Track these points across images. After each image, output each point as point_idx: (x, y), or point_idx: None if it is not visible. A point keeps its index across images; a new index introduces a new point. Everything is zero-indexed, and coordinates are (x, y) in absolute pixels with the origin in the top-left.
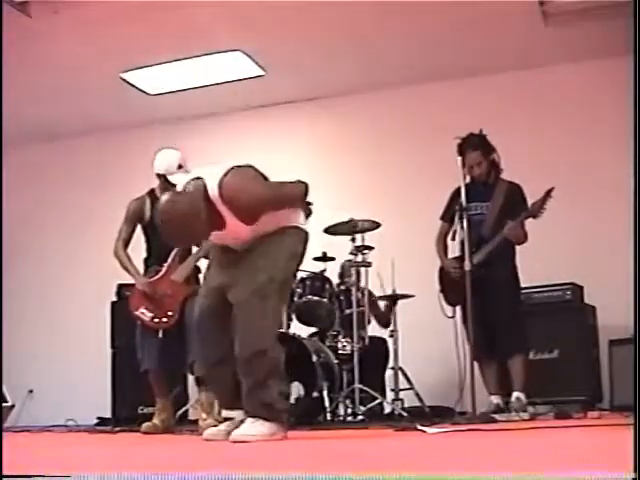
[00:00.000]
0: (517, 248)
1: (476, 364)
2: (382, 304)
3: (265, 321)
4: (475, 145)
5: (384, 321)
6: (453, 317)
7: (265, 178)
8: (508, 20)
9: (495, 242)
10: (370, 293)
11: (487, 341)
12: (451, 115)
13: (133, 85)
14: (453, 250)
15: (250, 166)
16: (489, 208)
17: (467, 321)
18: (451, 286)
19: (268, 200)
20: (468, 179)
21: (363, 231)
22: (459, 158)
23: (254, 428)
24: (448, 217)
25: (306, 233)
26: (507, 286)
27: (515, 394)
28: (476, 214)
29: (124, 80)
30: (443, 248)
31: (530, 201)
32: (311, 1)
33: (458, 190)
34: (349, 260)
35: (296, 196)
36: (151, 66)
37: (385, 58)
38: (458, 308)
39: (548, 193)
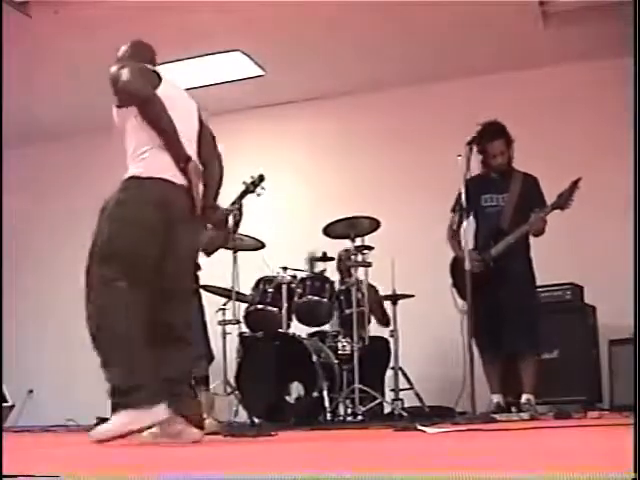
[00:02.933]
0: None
1: (477, 363)
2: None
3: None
4: (500, 133)
5: (385, 320)
6: (467, 312)
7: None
8: (508, 20)
9: (517, 234)
10: (374, 289)
11: (495, 339)
12: (451, 115)
13: None
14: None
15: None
16: (506, 199)
17: (472, 317)
18: (465, 279)
19: (116, 74)
20: (477, 172)
21: (363, 234)
22: (461, 153)
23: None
24: (459, 208)
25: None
26: (524, 281)
27: (525, 396)
28: (491, 206)
29: None
30: (456, 240)
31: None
32: (311, 1)
33: (470, 181)
34: (346, 250)
35: (129, 85)
36: None
37: (385, 58)
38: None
39: (575, 183)
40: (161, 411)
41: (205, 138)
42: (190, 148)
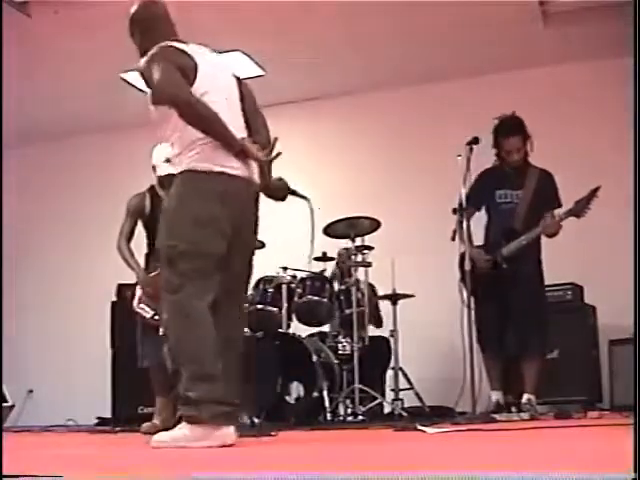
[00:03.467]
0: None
1: (477, 363)
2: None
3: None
4: (517, 129)
5: (374, 320)
6: (474, 309)
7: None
8: (508, 20)
9: (531, 236)
10: (372, 288)
11: (499, 337)
12: (451, 115)
13: (133, 85)
14: (458, 248)
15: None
16: (520, 197)
17: (477, 315)
18: (474, 275)
19: (146, 67)
20: (477, 171)
21: (363, 234)
22: (460, 152)
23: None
24: (472, 202)
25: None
26: (534, 282)
27: (527, 396)
28: (505, 202)
29: (124, 80)
30: (468, 238)
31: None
32: (311, 1)
33: (485, 173)
34: (346, 249)
35: (160, 89)
36: None
37: (385, 58)
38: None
39: (594, 192)
40: (229, 434)
41: (247, 103)
42: (237, 123)
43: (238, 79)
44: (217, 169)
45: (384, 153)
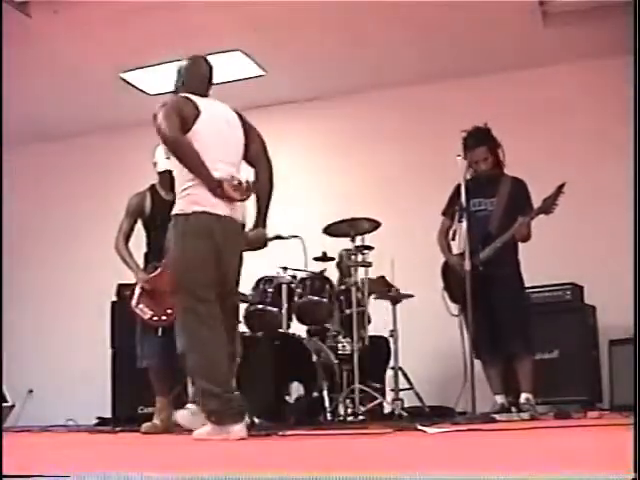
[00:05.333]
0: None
1: (477, 362)
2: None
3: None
4: (482, 140)
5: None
6: (458, 315)
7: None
8: (508, 20)
9: (504, 238)
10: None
11: (491, 341)
12: (450, 115)
13: (133, 85)
14: (458, 246)
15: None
16: (494, 204)
17: (468, 320)
18: (456, 283)
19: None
20: (470, 175)
21: (363, 233)
22: (461, 154)
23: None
24: (450, 212)
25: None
26: (513, 284)
27: (524, 395)
28: (480, 210)
29: (124, 80)
30: (446, 244)
31: (538, 198)
32: (311, 1)
33: (459, 185)
34: (347, 249)
35: (160, 130)
36: (151, 66)
37: (385, 58)
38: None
39: (560, 188)
40: (238, 430)
41: (251, 149)
42: (230, 163)
43: (245, 127)
44: (201, 209)
45: (384, 153)
